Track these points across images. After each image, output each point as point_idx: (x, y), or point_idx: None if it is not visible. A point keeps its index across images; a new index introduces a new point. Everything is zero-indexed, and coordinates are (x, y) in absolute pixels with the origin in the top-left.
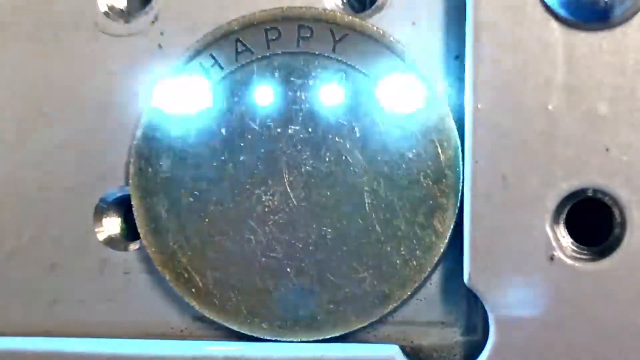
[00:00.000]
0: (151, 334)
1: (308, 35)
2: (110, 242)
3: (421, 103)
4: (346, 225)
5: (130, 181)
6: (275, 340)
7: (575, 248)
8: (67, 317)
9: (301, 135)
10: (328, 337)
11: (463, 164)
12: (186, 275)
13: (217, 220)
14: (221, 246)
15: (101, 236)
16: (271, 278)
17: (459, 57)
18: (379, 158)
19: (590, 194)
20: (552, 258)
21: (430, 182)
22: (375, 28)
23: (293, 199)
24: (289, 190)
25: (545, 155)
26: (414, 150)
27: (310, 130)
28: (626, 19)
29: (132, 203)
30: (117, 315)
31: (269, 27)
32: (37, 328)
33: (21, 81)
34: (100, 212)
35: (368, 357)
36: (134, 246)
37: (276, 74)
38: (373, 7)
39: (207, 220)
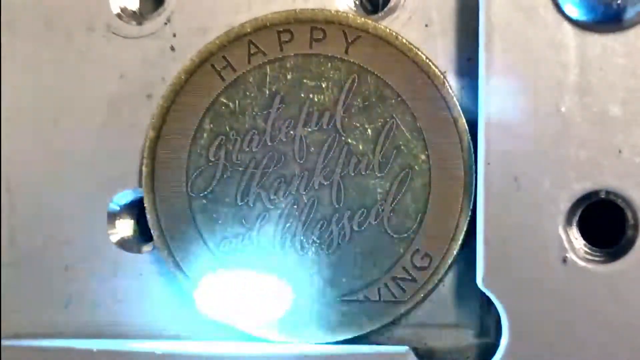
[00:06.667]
0: (164, 336)
1: (321, 37)
2: (123, 244)
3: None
4: (359, 226)
5: (143, 183)
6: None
7: (588, 250)
8: (81, 319)
9: (314, 137)
10: (340, 339)
11: (476, 166)
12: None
13: (229, 222)
14: (234, 248)
15: (114, 238)
16: (283, 279)
17: (472, 59)
18: (391, 159)
19: (603, 196)
20: (565, 260)
21: (444, 184)
22: (388, 30)
23: (305, 201)
24: (301, 191)
25: (557, 157)
26: (426, 152)
27: (323, 132)
28: (639, 21)
29: (145, 205)
30: (130, 316)
31: (281, 29)
32: (50, 329)
33: (34, 83)
34: (113, 214)
35: (381, 359)
36: (147, 248)
37: (289, 76)
38: (386, 9)
39: (220, 222)
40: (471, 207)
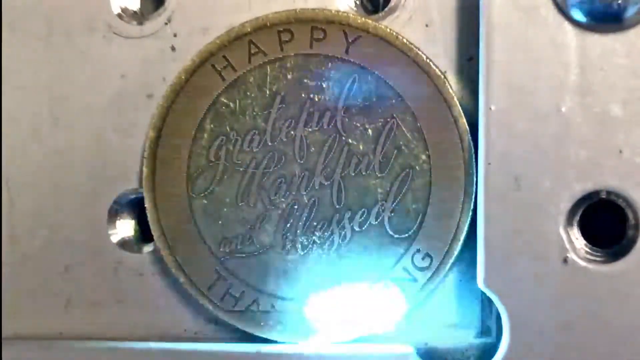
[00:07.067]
0: (165, 336)
1: (321, 37)
2: (124, 244)
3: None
4: (360, 226)
5: (143, 183)
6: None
7: (588, 250)
8: (81, 319)
9: (314, 137)
10: (342, 340)
11: (476, 166)
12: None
13: (231, 222)
14: (235, 248)
15: (115, 238)
16: (286, 280)
17: (472, 59)
18: (392, 159)
19: (603, 196)
20: (565, 260)
21: (445, 184)
22: (388, 30)
23: (306, 201)
24: (301, 192)
25: (558, 157)
26: (427, 152)
27: (323, 132)
28: (639, 21)
29: (145, 205)
30: (130, 317)
31: (281, 29)
32: (50, 330)
33: (34, 83)
34: (114, 214)
35: (383, 358)
36: (147, 248)
37: (289, 76)
38: (386, 9)
39: (220, 222)
40: (472, 207)
